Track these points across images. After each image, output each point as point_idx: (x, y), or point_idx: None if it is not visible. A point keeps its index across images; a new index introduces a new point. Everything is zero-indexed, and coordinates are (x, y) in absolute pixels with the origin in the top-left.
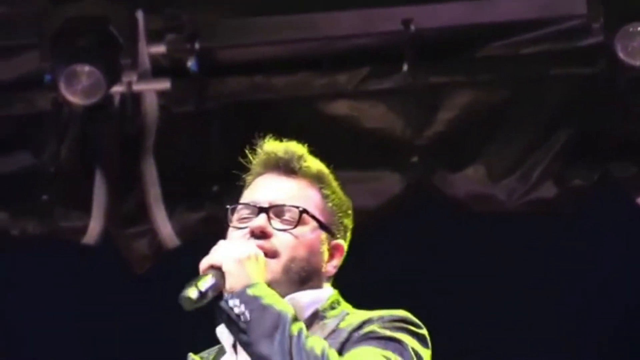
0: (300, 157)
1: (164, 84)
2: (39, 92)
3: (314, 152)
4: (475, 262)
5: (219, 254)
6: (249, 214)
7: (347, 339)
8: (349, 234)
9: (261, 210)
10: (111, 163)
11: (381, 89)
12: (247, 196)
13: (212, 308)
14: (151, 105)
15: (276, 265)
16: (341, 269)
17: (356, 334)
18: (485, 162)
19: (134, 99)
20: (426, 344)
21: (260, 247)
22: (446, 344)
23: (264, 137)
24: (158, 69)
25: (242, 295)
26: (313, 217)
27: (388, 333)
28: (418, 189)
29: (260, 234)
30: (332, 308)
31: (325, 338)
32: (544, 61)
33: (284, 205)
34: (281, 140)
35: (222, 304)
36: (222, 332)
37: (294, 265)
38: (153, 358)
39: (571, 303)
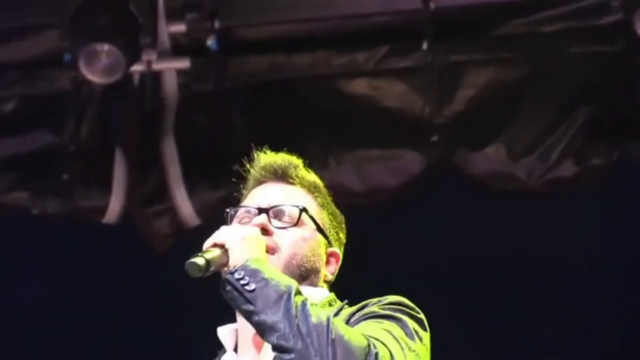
0: (297, 167)
1: (184, 63)
2: (59, 71)
3: (333, 131)
4: (495, 240)
5: (221, 233)
6: (248, 217)
7: (347, 321)
8: (342, 248)
9: (261, 210)
10: (131, 142)
11: (400, 67)
12: (247, 202)
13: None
14: (171, 84)
15: (277, 261)
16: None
17: (355, 316)
18: (505, 141)
19: (153, 78)
20: (424, 327)
21: None
22: (466, 320)
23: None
24: (178, 48)
25: (245, 268)
26: (312, 218)
27: (387, 312)
28: (438, 167)
29: (262, 231)
30: (330, 305)
31: None
32: (564, 39)
33: (283, 205)
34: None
35: (227, 276)
36: (223, 332)
37: (294, 262)
38: (174, 335)
39: (592, 280)
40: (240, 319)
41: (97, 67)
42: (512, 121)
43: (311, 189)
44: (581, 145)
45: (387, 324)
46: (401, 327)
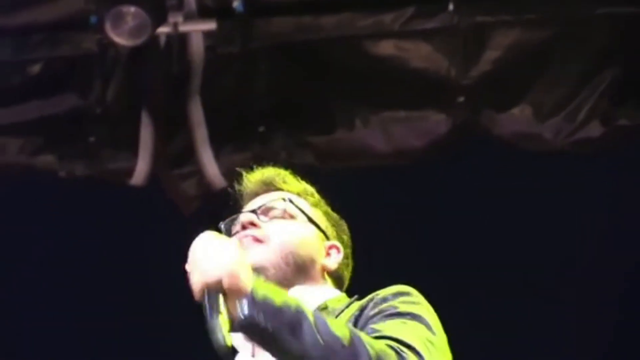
0: (285, 176)
1: (210, 25)
2: (85, 33)
3: (359, 92)
4: (522, 201)
5: (204, 270)
6: (240, 227)
7: (358, 315)
8: (348, 250)
9: (251, 212)
10: (157, 104)
11: (427, 28)
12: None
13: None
14: (197, 46)
15: (266, 249)
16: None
17: (371, 311)
18: (532, 102)
19: (179, 40)
20: (433, 313)
21: (251, 235)
22: (494, 279)
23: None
24: (204, 10)
25: (252, 305)
26: (301, 210)
27: (407, 310)
28: (464, 128)
29: (250, 225)
30: (339, 302)
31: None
32: (590, 0)
33: (270, 202)
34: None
35: (241, 322)
36: (236, 338)
37: (285, 249)
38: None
39: (618, 240)
40: None
41: (123, 30)
42: (539, 82)
43: (301, 193)
44: (608, 106)
45: (411, 324)
46: (424, 325)
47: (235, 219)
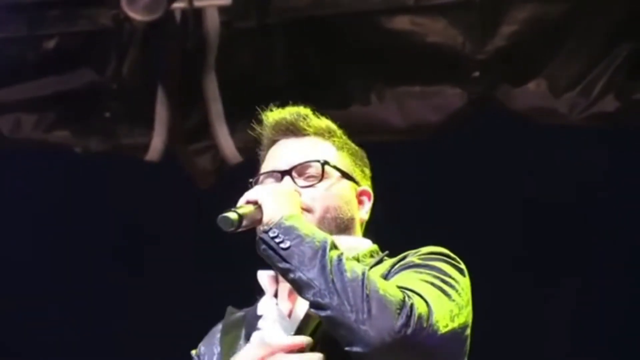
0: (305, 116)
1: (225, 0)
2: (101, 8)
3: (375, 67)
4: (537, 175)
5: (254, 191)
6: (272, 182)
7: (388, 273)
8: (370, 182)
9: (283, 173)
10: (173, 79)
11: (442, 3)
12: (266, 167)
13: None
14: (212, 21)
15: (313, 217)
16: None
17: (395, 267)
18: (547, 76)
19: (195, 15)
20: (464, 274)
21: None
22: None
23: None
24: None
25: (279, 225)
26: (335, 167)
27: (426, 262)
28: (479, 103)
29: None
30: (371, 256)
31: None
32: None
33: (304, 163)
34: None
35: (262, 234)
36: (263, 276)
37: (329, 215)
38: (216, 271)
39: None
40: None
41: (139, 5)
42: (554, 56)
43: (326, 134)
44: (623, 80)
45: (425, 273)
46: (440, 276)
47: (264, 175)
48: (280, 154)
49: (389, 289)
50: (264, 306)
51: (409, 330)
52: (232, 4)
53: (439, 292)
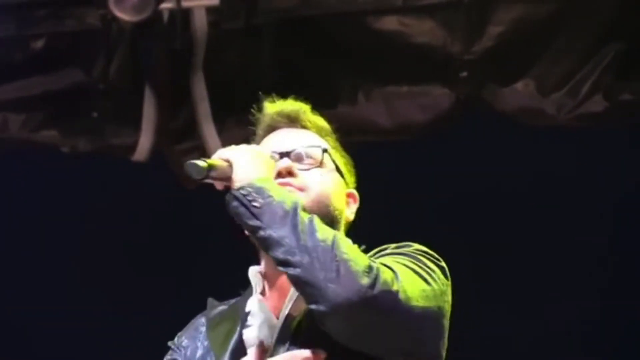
0: (307, 111)
1: (213, 0)
2: (88, 8)
3: (362, 67)
4: (524, 175)
5: (229, 149)
6: (276, 174)
7: None
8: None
9: (282, 155)
10: (160, 80)
11: (430, 3)
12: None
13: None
14: (200, 21)
15: (307, 197)
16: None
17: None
18: (535, 77)
19: (183, 15)
20: (446, 275)
21: (289, 184)
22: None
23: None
24: None
25: (252, 185)
26: (332, 159)
27: (404, 251)
28: (467, 103)
29: (287, 174)
30: None
31: None
32: None
33: (304, 148)
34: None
35: (233, 191)
36: (253, 273)
37: (324, 199)
38: (202, 269)
39: (621, 210)
40: (264, 261)
41: (127, 5)
42: (542, 57)
43: (322, 132)
44: (611, 81)
45: (401, 258)
46: (415, 262)
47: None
48: (281, 139)
49: (359, 254)
50: (253, 304)
51: (375, 291)
52: (220, 4)
53: (411, 272)
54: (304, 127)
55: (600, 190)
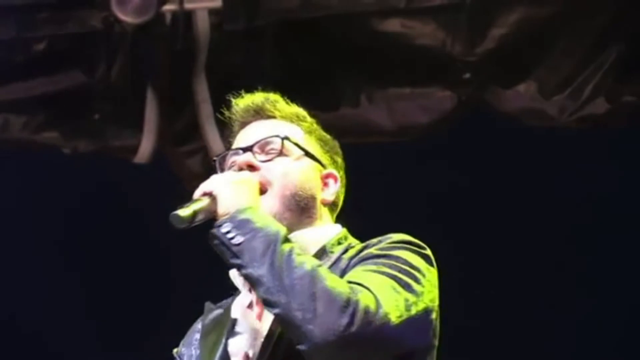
0: (274, 101)
1: (215, 2)
2: (91, 10)
3: (365, 69)
4: (526, 177)
5: (210, 181)
6: (234, 159)
7: (347, 266)
8: (342, 172)
9: (245, 150)
10: (163, 81)
11: (433, 5)
12: (233, 147)
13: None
14: (202, 23)
15: (271, 197)
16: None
17: (354, 260)
18: (537, 78)
19: (185, 17)
20: (431, 262)
21: None
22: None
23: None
24: None
25: (233, 219)
26: (297, 145)
27: (384, 252)
28: (469, 105)
29: (248, 168)
30: (339, 243)
31: (329, 268)
32: None
33: (265, 138)
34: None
35: (214, 229)
36: (235, 274)
37: (288, 192)
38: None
39: (620, 218)
40: None
41: (129, 7)
42: (544, 59)
43: (294, 118)
44: (613, 83)
45: (382, 264)
46: (398, 264)
47: (229, 154)
48: (246, 135)
49: (338, 286)
50: (237, 311)
51: (354, 328)
52: (222, 6)
53: (393, 283)
54: (269, 117)
55: (600, 191)
